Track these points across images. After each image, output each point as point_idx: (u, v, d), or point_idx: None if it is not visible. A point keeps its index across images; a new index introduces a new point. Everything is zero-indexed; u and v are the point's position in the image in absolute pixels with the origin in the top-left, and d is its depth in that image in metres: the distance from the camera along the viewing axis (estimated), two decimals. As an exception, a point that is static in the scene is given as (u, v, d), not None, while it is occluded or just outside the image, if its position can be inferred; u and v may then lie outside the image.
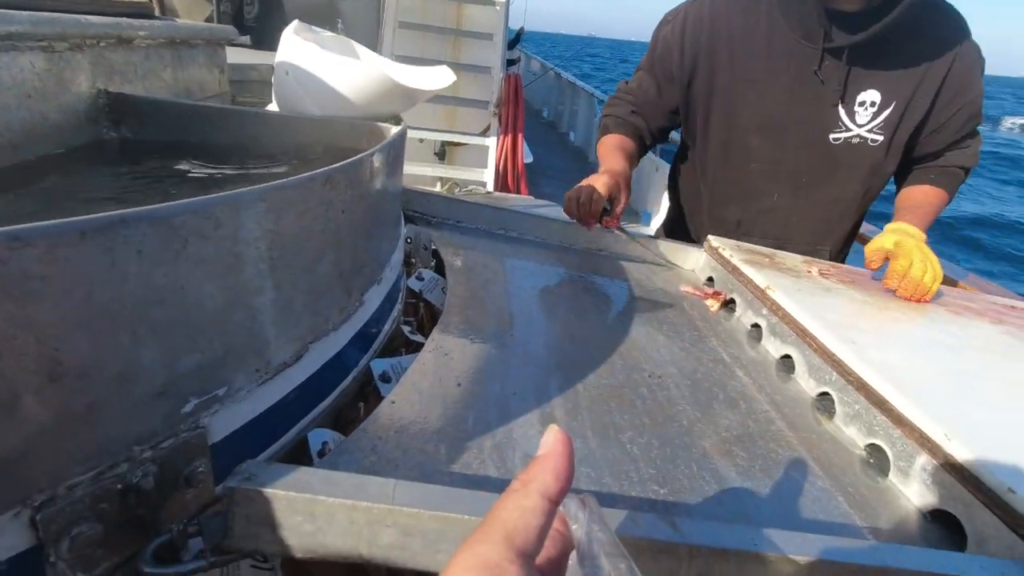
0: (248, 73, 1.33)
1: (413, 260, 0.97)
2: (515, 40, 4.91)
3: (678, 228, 1.40)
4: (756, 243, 1.12)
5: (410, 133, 0.79)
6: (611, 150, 1.23)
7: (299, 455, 0.51)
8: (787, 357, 0.79)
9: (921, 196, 1.17)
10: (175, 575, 0.36)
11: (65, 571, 0.33)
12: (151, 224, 0.33)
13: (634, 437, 0.57)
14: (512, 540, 0.22)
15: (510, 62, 4.44)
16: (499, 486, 0.47)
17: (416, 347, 0.72)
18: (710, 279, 1.05)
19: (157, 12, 0.86)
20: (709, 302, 0.96)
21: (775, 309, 0.84)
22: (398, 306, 0.76)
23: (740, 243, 1.09)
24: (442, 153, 4.11)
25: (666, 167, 1.42)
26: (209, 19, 3.45)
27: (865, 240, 1.12)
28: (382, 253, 0.67)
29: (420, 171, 3.66)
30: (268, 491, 0.35)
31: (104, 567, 0.35)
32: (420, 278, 0.89)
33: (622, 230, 1.09)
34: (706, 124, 1.22)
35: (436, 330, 0.69)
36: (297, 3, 3.59)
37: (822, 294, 0.89)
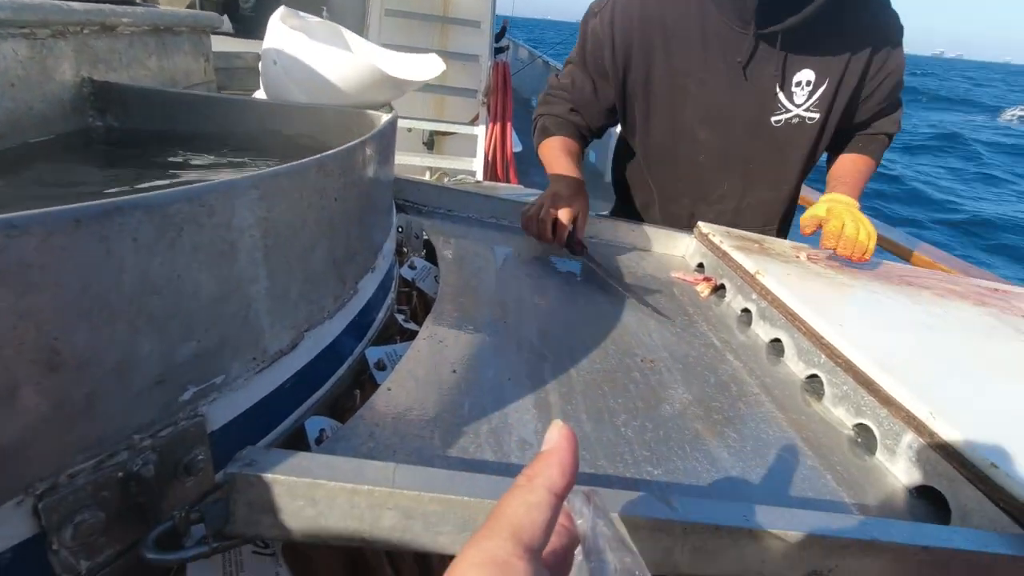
0: (233, 61, 1.31)
1: (405, 249, 0.97)
2: (500, 34, 4.85)
3: (625, 217, 1.37)
4: None
5: (398, 123, 0.78)
6: (559, 155, 1.19)
7: (296, 443, 0.51)
8: (777, 341, 0.80)
9: (851, 165, 1.22)
10: (178, 561, 0.36)
11: (68, 559, 0.33)
12: (146, 212, 0.33)
13: (628, 420, 0.58)
14: (519, 536, 0.22)
15: (498, 50, 4.41)
16: (496, 470, 0.47)
17: (410, 335, 0.72)
18: (700, 265, 1.06)
19: (139, -1, 0.85)
20: (699, 287, 0.97)
21: (765, 294, 0.85)
22: (391, 294, 0.76)
23: (730, 229, 1.10)
24: (430, 143, 4.08)
25: None
26: (191, 5, 3.39)
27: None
28: (375, 241, 0.67)
29: (409, 161, 3.64)
30: (269, 476, 0.36)
31: (107, 555, 0.35)
32: (412, 267, 0.89)
33: (591, 258, 0.98)
34: (647, 119, 1.20)
35: (430, 318, 0.69)
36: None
37: (811, 279, 0.90)
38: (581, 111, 1.24)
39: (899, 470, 0.58)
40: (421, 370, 0.58)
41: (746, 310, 0.89)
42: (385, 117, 0.73)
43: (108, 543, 0.35)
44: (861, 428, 0.64)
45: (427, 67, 1.04)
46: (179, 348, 0.37)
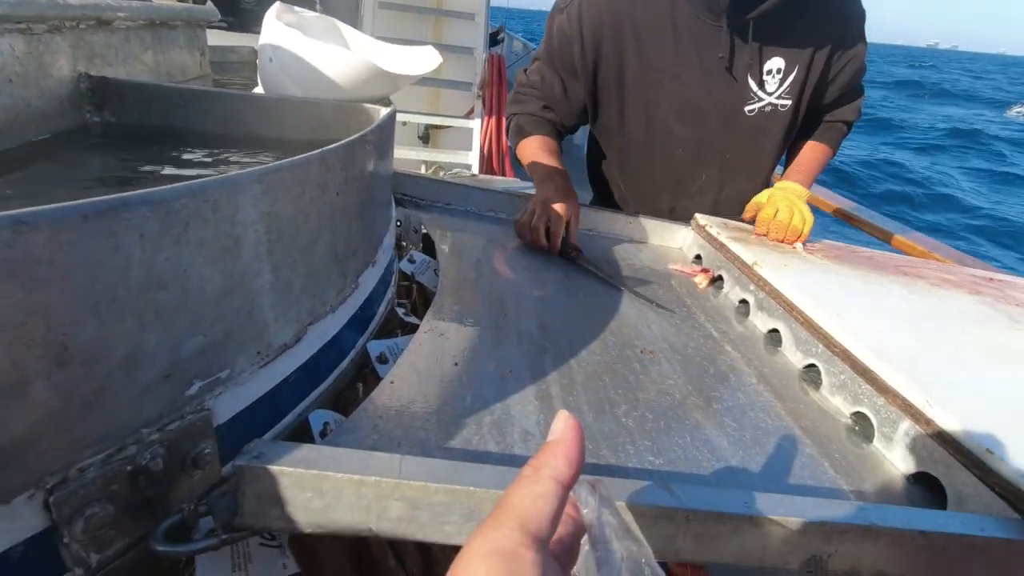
0: (228, 55, 1.30)
1: (404, 243, 0.97)
2: (496, 33, 4.78)
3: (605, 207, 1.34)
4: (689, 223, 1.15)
5: (395, 116, 0.78)
6: (541, 155, 1.16)
7: (300, 436, 0.51)
8: (774, 331, 0.81)
9: (808, 153, 1.25)
10: (187, 553, 0.36)
11: (79, 552, 0.34)
12: (152, 207, 0.33)
13: (629, 411, 0.58)
14: (526, 526, 0.22)
15: (493, 43, 4.39)
16: (500, 461, 0.48)
17: (411, 328, 0.73)
18: (698, 256, 1.07)
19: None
20: (697, 279, 0.97)
21: (762, 285, 0.85)
22: (392, 288, 0.76)
23: (727, 221, 1.11)
24: (426, 136, 4.06)
25: None
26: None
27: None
28: (376, 235, 0.67)
29: (404, 155, 3.62)
30: (277, 469, 0.36)
31: (116, 547, 0.36)
32: (412, 260, 0.89)
33: (587, 262, 0.94)
34: (621, 116, 1.20)
35: (430, 311, 0.69)
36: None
37: (808, 269, 0.91)
38: (554, 108, 1.22)
39: (896, 457, 0.59)
40: (423, 363, 0.59)
41: (744, 301, 0.89)
42: (384, 111, 0.73)
43: (118, 536, 0.36)
44: (858, 416, 0.64)
45: (423, 61, 1.04)
46: (185, 342, 0.37)
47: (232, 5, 3.41)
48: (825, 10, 1.10)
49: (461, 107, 3.80)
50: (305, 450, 0.38)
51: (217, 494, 0.37)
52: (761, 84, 1.13)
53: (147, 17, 0.83)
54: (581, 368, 0.64)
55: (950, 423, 0.54)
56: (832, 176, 9.21)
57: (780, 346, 0.79)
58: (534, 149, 1.18)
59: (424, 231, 0.98)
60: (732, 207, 1.26)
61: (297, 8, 0.99)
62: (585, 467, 0.26)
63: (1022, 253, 7.54)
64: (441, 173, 2.89)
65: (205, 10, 1.01)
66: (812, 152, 1.24)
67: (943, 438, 0.54)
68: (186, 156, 0.73)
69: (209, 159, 0.73)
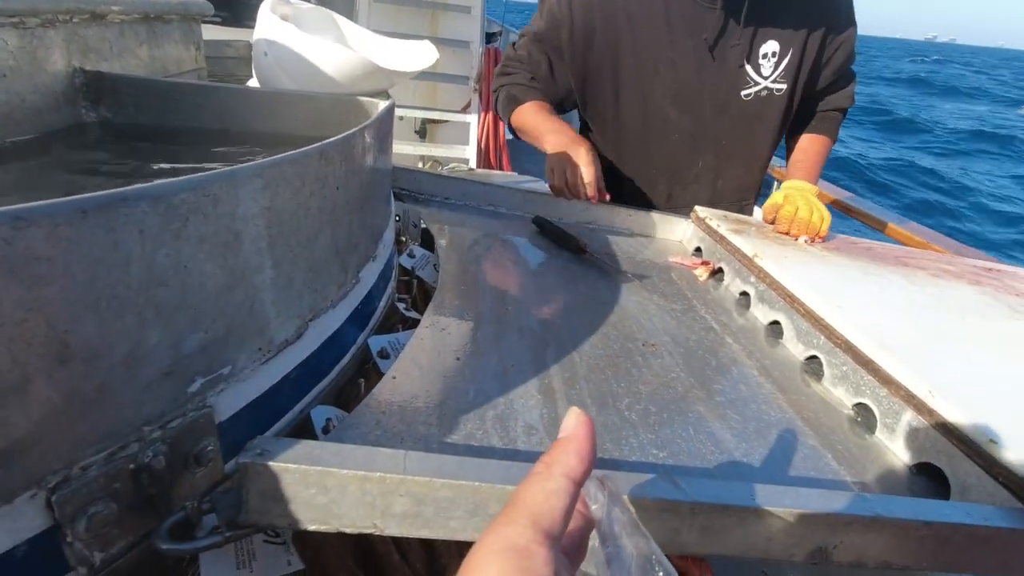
0: (224, 50, 1.29)
1: (403, 238, 0.97)
2: (490, 37, 4.74)
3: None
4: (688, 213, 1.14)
5: (392, 111, 0.78)
6: (542, 114, 1.16)
7: (303, 433, 0.51)
8: (775, 323, 0.81)
9: (808, 146, 1.25)
10: (191, 551, 0.36)
11: (82, 551, 0.33)
12: (151, 202, 0.33)
13: (632, 404, 0.58)
14: (538, 522, 0.22)
15: (490, 36, 4.36)
16: (504, 455, 0.48)
17: (412, 323, 0.72)
18: (698, 249, 1.06)
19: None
20: (698, 271, 0.97)
21: (763, 276, 0.85)
22: (392, 283, 0.76)
23: (727, 213, 1.10)
24: (423, 131, 4.05)
25: None
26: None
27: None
28: (376, 230, 0.67)
29: (401, 149, 3.61)
30: (281, 465, 0.36)
31: (120, 546, 0.35)
32: (411, 255, 0.89)
33: (593, 256, 0.94)
34: (616, 103, 1.19)
35: (431, 306, 0.69)
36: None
37: (808, 261, 0.91)
38: (540, 85, 1.22)
39: (899, 448, 0.59)
40: (425, 358, 0.58)
41: (744, 293, 0.89)
42: (382, 104, 0.73)
43: (121, 534, 0.35)
44: (861, 407, 0.64)
45: (420, 57, 1.03)
46: (186, 339, 0.37)
47: (231, -1, 3.38)
48: None
49: (458, 101, 3.79)
50: (309, 446, 0.37)
51: (220, 491, 0.37)
52: (756, 68, 1.13)
53: (141, 11, 0.82)
54: (583, 361, 0.64)
55: (953, 413, 0.54)
56: (864, 185, 8.90)
57: (781, 338, 0.79)
58: (532, 112, 1.18)
59: (423, 225, 0.98)
60: (729, 196, 1.26)
61: (293, 0, 0.98)
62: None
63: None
64: (439, 168, 2.88)
65: (200, 4, 1.00)
66: (813, 146, 1.24)
67: (946, 428, 0.54)
68: (183, 151, 0.72)
69: (207, 153, 0.73)
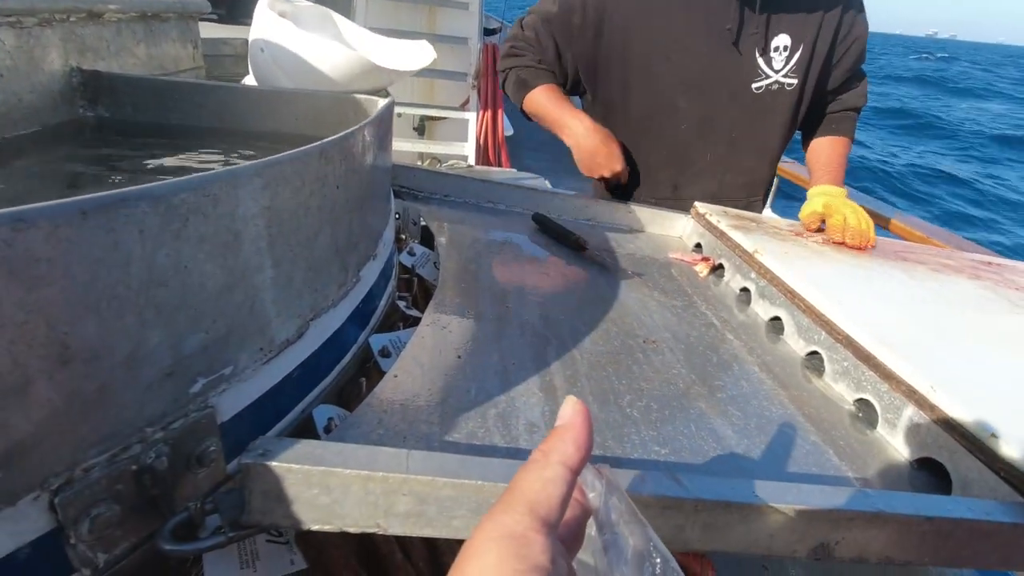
0: (221, 48, 1.29)
1: (403, 235, 0.97)
2: (488, 32, 4.72)
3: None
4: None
5: (390, 108, 0.77)
6: (556, 98, 1.19)
7: (305, 432, 0.51)
8: (776, 319, 0.80)
9: (829, 149, 1.24)
10: (195, 551, 0.36)
11: (86, 552, 0.33)
12: (151, 202, 0.32)
13: (633, 401, 0.58)
14: (535, 510, 0.22)
15: (488, 31, 4.35)
16: (506, 454, 0.48)
17: (413, 322, 0.72)
18: (698, 245, 1.06)
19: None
20: (698, 267, 0.97)
21: (763, 272, 0.85)
22: (393, 281, 0.76)
23: (727, 209, 1.10)
24: (421, 128, 4.04)
25: None
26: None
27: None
28: (375, 228, 0.67)
29: (400, 147, 3.60)
30: (284, 466, 0.36)
31: (123, 547, 0.35)
32: (412, 253, 0.88)
33: (594, 254, 0.94)
34: (626, 90, 1.19)
35: (432, 304, 0.69)
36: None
37: (808, 256, 0.91)
38: (549, 67, 1.22)
39: (900, 443, 0.59)
40: (426, 356, 0.58)
41: (745, 289, 0.89)
42: (382, 102, 0.72)
43: (124, 536, 0.35)
44: (862, 403, 0.64)
45: (418, 56, 1.02)
46: (187, 340, 0.37)
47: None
48: None
49: (456, 98, 3.78)
50: (311, 446, 0.37)
51: (223, 492, 0.37)
52: (768, 61, 1.13)
53: (139, 9, 0.82)
54: (584, 359, 0.64)
55: (954, 408, 0.54)
56: (905, 201, 8.36)
57: (782, 334, 0.79)
58: (545, 96, 1.20)
59: (423, 223, 0.98)
60: (737, 189, 1.25)
61: (290, -2, 0.97)
62: (591, 457, 0.26)
63: None
64: (437, 165, 2.87)
65: (197, 2, 0.99)
66: (835, 148, 1.24)
67: (947, 423, 0.54)
68: (182, 150, 0.72)
69: (205, 152, 0.72)
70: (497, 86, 3.89)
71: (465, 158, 3.57)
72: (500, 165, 3.92)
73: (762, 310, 0.84)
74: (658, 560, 0.23)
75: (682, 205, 1.15)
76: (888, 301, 0.78)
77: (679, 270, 0.97)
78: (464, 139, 3.68)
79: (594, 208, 1.12)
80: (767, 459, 0.54)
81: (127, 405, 0.34)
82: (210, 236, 0.37)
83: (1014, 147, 13.15)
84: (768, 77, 1.14)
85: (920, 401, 0.57)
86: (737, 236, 0.94)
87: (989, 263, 1.09)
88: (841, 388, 0.67)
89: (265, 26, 0.88)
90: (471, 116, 3.68)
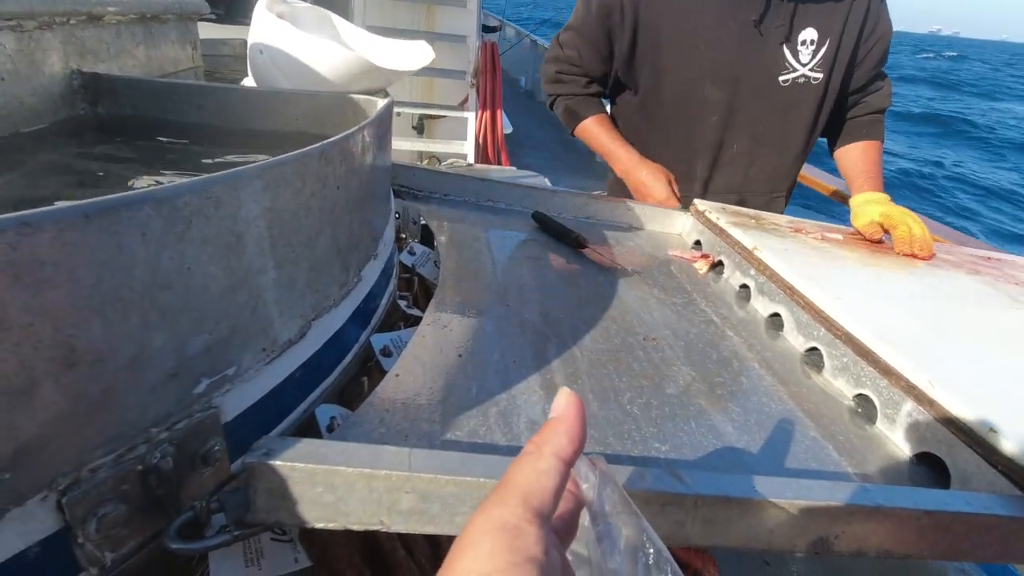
0: (220, 48, 1.29)
1: (403, 235, 0.97)
2: (487, 30, 4.71)
3: (624, 191, 1.33)
4: (719, 199, 1.16)
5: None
6: (609, 133, 1.25)
7: (307, 432, 0.51)
8: (776, 315, 0.81)
9: (863, 155, 1.25)
10: (201, 550, 0.37)
11: (93, 552, 0.34)
12: (154, 205, 0.33)
13: (633, 398, 0.58)
14: (529, 501, 0.22)
15: (487, 29, 4.34)
16: (507, 451, 0.48)
17: (413, 321, 0.73)
18: (697, 242, 1.07)
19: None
20: (698, 265, 0.97)
21: (763, 269, 0.85)
22: (393, 281, 0.76)
23: (726, 206, 1.11)
24: (420, 127, 4.03)
25: None
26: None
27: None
28: (376, 228, 0.67)
29: (399, 146, 3.59)
30: (288, 464, 0.36)
31: (130, 546, 0.36)
32: (412, 252, 0.89)
33: (593, 251, 0.95)
34: (657, 81, 1.20)
35: (432, 303, 0.69)
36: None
37: (808, 253, 0.91)
38: (595, 80, 1.26)
39: (899, 438, 0.59)
40: (427, 355, 0.59)
41: (744, 286, 0.89)
42: (381, 103, 0.73)
43: (131, 535, 0.36)
44: (861, 398, 0.65)
45: (416, 56, 1.03)
46: (191, 341, 0.37)
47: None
48: None
49: (455, 96, 3.77)
50: (314, 445, 0.38)
51: (228, 491, 0.37)
52: (795, 54, 1.14)
53: (138, 11, 0.82)
54: (585, 357, 0.65)
55: (953, 403, 0.55)
56: (955, 219, 7.76)
57: (782, 330, 0.79)
58: (596, 128, 1.27)
59: (423, 222, 0.98)
60: (760, 182, 1.27)
61: (288, -1, 0.97)
62: (584, 448, 0.26)
63: None
64: (437, 164, 2.88)
65: (196, 3, 0.99)
66: (868, 154, 1.25)
67: (946, 418, 0.55)
68: (183, 152, 0.72)
69: (206, 154, 0.73)
70: (496, 84, 3.89)
71: (464, 157, 3.57)
72: (500, 163, 3.91)
73: (761, 307, 0.84)
74: (651, 551, 0.23)
75: (710, 197, 1.17)
76: (887, 296, 0.78)
77: (679, 267, 0.97)
78: (463, 138, 3.68)
79: (594, 206, 1.12)
80: (767, 455, 0.54)
81: (132, 406, 0.34)
82: (213, 238, 0.37)
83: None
84: (795, 70, 1.15)
85: (919, 396, 0.58)
86: (736, 233, 0.95)
87: (988, 258, 1.09)
88: (840, 384, 0.68)
89: (264, 28, 0.88)
90: (470, 115, 3.68)
